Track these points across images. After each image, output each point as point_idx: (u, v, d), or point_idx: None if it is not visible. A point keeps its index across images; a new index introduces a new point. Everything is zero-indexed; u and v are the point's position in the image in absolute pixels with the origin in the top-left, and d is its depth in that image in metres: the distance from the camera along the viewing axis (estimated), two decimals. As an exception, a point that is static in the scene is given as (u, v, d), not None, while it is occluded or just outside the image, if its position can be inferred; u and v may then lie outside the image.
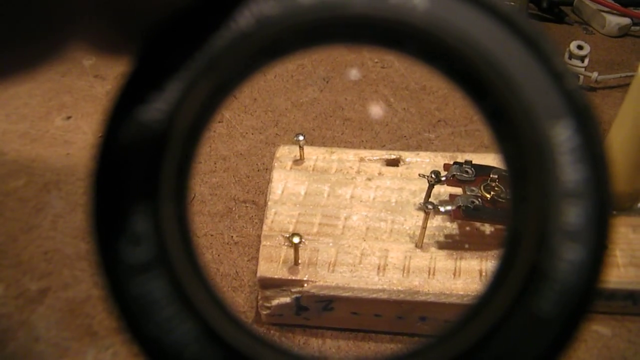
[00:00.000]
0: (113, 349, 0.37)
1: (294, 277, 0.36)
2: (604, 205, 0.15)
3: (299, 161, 0.44)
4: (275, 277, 0.36)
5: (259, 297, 0.37)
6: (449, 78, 0.16)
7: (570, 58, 0.59)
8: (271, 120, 0.56)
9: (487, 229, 0.38)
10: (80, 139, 0.53)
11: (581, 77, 0.59)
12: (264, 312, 0.37)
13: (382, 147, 0.53)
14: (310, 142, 0.49)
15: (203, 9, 0.16)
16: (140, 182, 0.15)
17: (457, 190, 0.38)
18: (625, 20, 0.67)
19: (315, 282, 0.36)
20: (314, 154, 0.44)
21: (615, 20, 0.67)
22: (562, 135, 0.15)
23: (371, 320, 0.37)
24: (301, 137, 0.42)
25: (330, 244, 0.38)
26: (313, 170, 0.43)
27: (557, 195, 0.15)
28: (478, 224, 0.38)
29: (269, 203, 0.41)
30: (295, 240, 0.35)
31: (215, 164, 0.51)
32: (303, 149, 0.43)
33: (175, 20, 0.16)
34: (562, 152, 0.15)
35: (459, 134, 0.54)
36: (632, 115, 0.38)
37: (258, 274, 0.36)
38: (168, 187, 0.15)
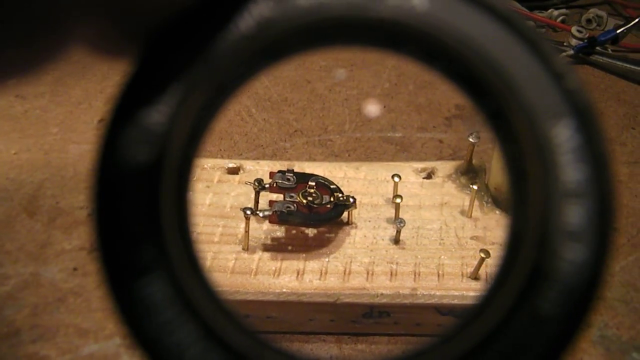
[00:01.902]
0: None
1: None
2: (605, 205, 0.15)
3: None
4: None
5: None
6: (449, 79, 0.16)
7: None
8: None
9: (310, 231, 0.42)
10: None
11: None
12: None
13: (240, 155, 0.55)
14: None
15: (203, 11, 0.15)
16: (142, 185, 0.15)
17: (280, 197, 0.41)
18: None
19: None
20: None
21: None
22: (563, 135, 0.15)
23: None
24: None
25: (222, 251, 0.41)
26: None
27: (558, 195, 0.15)
28: (303, 228, 0.42)
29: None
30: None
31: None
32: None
33: (175, 23, 0.15)
34: (563, 152, 0.15)
35: (312, 143, 0.57)
36: None
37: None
38: (169, 191, 0.15)
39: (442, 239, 0.42)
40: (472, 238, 0.42)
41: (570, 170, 0.15)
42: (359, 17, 0.15)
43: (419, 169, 0.47)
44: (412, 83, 0.62)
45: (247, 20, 0.15)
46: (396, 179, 0.43)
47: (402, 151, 0.55)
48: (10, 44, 0.14)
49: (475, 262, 0.39)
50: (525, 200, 0.15)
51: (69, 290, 0.41)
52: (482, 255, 0.38)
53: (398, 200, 0.41)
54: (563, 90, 0.15)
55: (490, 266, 0.40)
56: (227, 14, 0.15)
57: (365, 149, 0.55)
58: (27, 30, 0.14)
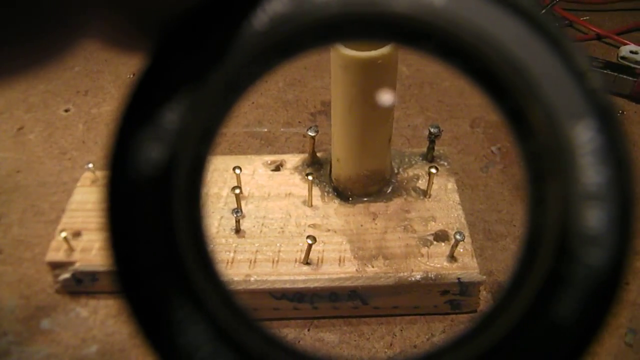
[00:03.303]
0: None
1: (68, 260, 0.44)
2: (626, 209, 0.14)
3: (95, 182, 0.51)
4: (56, 260, 0.44)
5: (53, 275, 0.45)
6: (468, 76, 0.16)
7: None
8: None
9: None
10: None
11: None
12: (57, 285, 0.46)
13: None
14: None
15: (216, 8, 0.15)
16: (155, 183, 0.15)
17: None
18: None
19: (81, 263, 0.44)
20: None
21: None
22: (584, 136, 0.15)
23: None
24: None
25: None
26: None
27: (578, 198, 0.14)
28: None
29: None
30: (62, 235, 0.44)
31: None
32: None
33: (188, 19, 0.15)
34: (584, 153, 0.14)
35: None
36: (340, 86, 0.39)
37: (46, 259, 0.44)
38: (182, 190, 0.15)
39: (282, 228, 0.44)
40: (310, 226, 0.44)
41: (591, 172, 0.14)
42: (374, 13, 0.15)
43: (269, 162, 0.49)
44: (282, 80, 0.64)
45: (260, 17, 0.15)
46: (237, 170, 0.44)
47: (267, 145, 0.57)
48: (20, 37, 0.14)
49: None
50: (543, 203, 0.15)
51: None
52: (309, 241, 0.40)
53: (237, 191, 0.43)
54: (584, 89, 0.15)
55: (325, 252, 0.42)
56: (240, 10, 0.15)
57: (230, 143, 0.57)
58: (38, 23, 0.14)
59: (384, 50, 0.36)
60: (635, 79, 0.63)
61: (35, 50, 0.14)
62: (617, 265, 0.14)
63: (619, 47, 0.70)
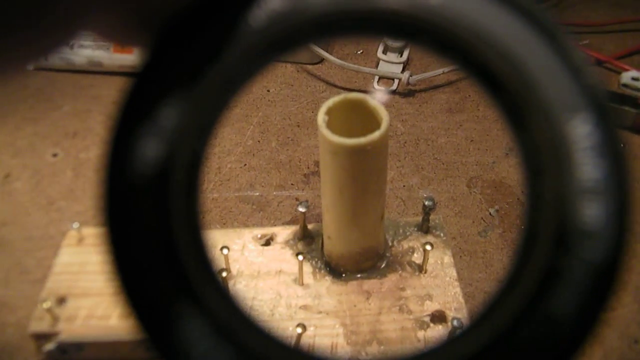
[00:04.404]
0: None
1: (52, 330, 0.42)
2: (623, 204, 0.14)
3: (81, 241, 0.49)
4: (40, 331, 0.43)
5: (36, 345, 0.44)
6: (465, 71, 0.16)
7: (385, 52, 0.63)
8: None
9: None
10: None
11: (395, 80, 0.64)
12: (41, 357, 0.44)
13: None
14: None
15: (213, 5, 0.15)
16: (153, 180, 0.15)
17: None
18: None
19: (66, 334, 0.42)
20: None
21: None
22: (580, 131, 0.15)
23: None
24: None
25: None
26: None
27: (575, 193, 0.14)
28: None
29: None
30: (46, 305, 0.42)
31: None
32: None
33: (185, 16, 0.15)
34: (580, 148, 0.15)
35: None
36: (329, 170, 0.38)
37: (29, 330, 0.43)
38: (178, 183, 0.15)
39: (272, 310, 0.42)
40: (301, 307, 0.43)
41: (588, 166, 0.14)
42: (370, 10, 0.15)
43: (259, 236, 0.47)
44: (275, 140, 0.63)
45: (257, 14, 0.15)
46: (225, 251, 0.43)
47: (259, 210, 0.55)
48: (17, 30, 0.14)
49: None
50: (541, 198, 0.15)
51: None
52: (299, 330, 0.38)
53: (224, 274, 0.41)
54: (581, 84, 0.15)
55: (317, 337, 0.41)
56: (237, 7, 0.15)
57: (221, 209, 0.55)
58: (36, 17, 0.14)
59: (373, 137, 0.34)
60: (637, 111, 0.59)
61: (32, 42, 0.14)
62: (613, 260, 0.14)
63: (620, 73, 0.66)
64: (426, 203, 0.45)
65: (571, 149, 0.15)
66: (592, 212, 0.14)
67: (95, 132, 0.66)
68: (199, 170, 0.16)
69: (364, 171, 0.37)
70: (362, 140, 0.34)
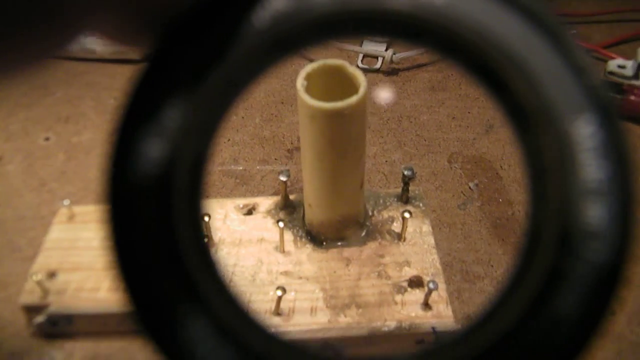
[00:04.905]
0: None
1: (42, 303, 0.43)
2: (627, 204, 0.14)
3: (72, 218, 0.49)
4: (30, 303, 0.44)
5: (27, 318, 0.45)
6: (468, 72, 0.16)
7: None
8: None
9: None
10: None
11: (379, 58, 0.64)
12: (32, 329, 0.45)
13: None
14: None
15: (217, 5, 0.15)
16: (156, 181, 0.15)
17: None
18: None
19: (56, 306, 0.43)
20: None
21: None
22: (584, 132, 0.15)
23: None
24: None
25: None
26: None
27: (578, 194, 0.14)
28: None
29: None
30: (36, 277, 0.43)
31: None
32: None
33: (189, 17, 0.15)
34: (583, 149, 0.15)
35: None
36: (308, 135, 0.38)
37: (20, 302, 0.44)
38: (181, 184, 0.15)
39: (254, 276, 0.43)
40: (282, 273, 0.43)
41: (591, 167, 0.14)
42: (375, 10, 0.15)
43: (241, 205, 0.48)
44: (259, 116, 0.63)
45: (261, 14, 0.15)
46: (206, 218, 0.43)
47: (242, 184, 0.56)
48: (18, 32, 0.14)
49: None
50: (544, 199, 0.15)
51: None
52: (279, 292, 0.39)
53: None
54: (584, 85, 0.15)
55: (297, 301, 0.41)
56: (241, 7, 0.15)
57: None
58: (36, 19, 0.13)
59: (351, 101, 0.35)
60: (622, 96, 0.61)
61: (34, 43, 0.14)
62: (617, 261, 0.14)
63: (606, 62, 0.68)
64: (405, 173, 0.45)
65: (575, 150, 0.15)
66: (595, 213, 0.14)
67: (88, 117, 0.66)
68: (203, 171, 0.16)
69: (342, 136, 0.37)
70: (339, 104, 0.35)
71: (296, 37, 0.16)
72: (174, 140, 0.15)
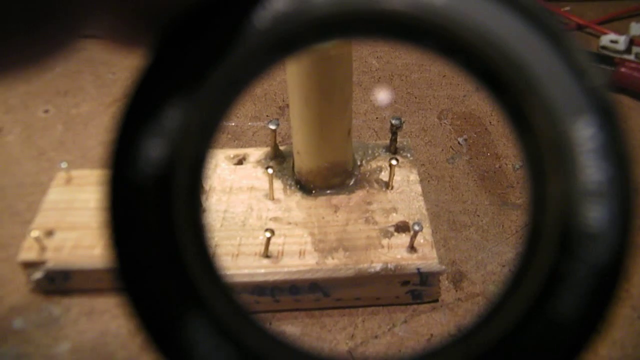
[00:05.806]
0: None
1: (40, 259, 0.44)
2: (627, 206, 0.14)
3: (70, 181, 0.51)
4: (28, 259, 0.45)
5: (26, 274, 0.46)
6: (469, 73, 0.16)
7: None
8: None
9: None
10: None
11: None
12: (30, 285, 0.46)
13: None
14: None
15: (218, 5, 0.15)
16: (156, 181, 0.15)
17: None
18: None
19: (54, 262, 0.44)
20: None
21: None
22: (584, 133, 0.15)
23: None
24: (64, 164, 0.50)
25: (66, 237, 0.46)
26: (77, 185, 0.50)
27: (578, 195, 0.14)
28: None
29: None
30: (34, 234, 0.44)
31: None
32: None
33: (190, 16, 0.15)
34: (584, 151, 0.15)
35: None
36: (295, 79, 0.38)
37: (18, 258, 0.45)
38: (181, 184, 0.15)
39: (243, 221, 0.44)
40: (271, 219, 0.44)
41: (591, 169, 0.14)
42: (375, 11, 0.15)
43: (231, 156, 0.49)
44: (251, 74, 0.64)
45: (262, 15, 0.15)
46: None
47: (234, 139, 0.57)
48: (17, 33, 0.14)
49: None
50: (544, 200, 0.15)
51: None
52: (267, 234, 0.40)
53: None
54: (585, 86, 0.15)
55: (286, 244, 0.42)
56: (242, 7, 0.15)
57: (197, 138, 0.56)
58: (35, 20, 0.14)
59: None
60: (613, 68, 0.62)
61: (33, 46, 0.14)
62: (617, 263, 0.14)
63: (599, 37, 0.70)
64: (393, 122, 0.46)
65: (575, 152, 0.15)
66: (595, 214, 0.14)
67: (86, 90, 0.67)
68: (202, 171, 0.16)
69: (328, 79, 0.38)
70: (325, 44, 0.36)
71: (297, 37, 0.16)
72: (174, 140, 0.15)
